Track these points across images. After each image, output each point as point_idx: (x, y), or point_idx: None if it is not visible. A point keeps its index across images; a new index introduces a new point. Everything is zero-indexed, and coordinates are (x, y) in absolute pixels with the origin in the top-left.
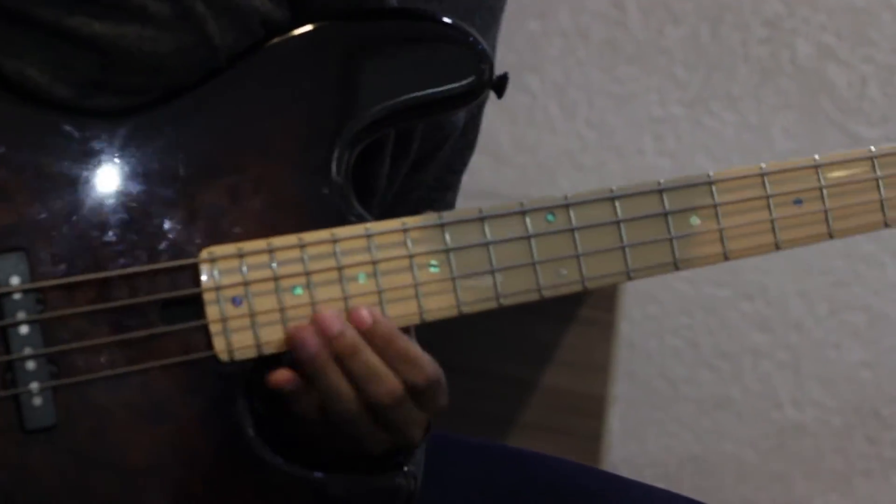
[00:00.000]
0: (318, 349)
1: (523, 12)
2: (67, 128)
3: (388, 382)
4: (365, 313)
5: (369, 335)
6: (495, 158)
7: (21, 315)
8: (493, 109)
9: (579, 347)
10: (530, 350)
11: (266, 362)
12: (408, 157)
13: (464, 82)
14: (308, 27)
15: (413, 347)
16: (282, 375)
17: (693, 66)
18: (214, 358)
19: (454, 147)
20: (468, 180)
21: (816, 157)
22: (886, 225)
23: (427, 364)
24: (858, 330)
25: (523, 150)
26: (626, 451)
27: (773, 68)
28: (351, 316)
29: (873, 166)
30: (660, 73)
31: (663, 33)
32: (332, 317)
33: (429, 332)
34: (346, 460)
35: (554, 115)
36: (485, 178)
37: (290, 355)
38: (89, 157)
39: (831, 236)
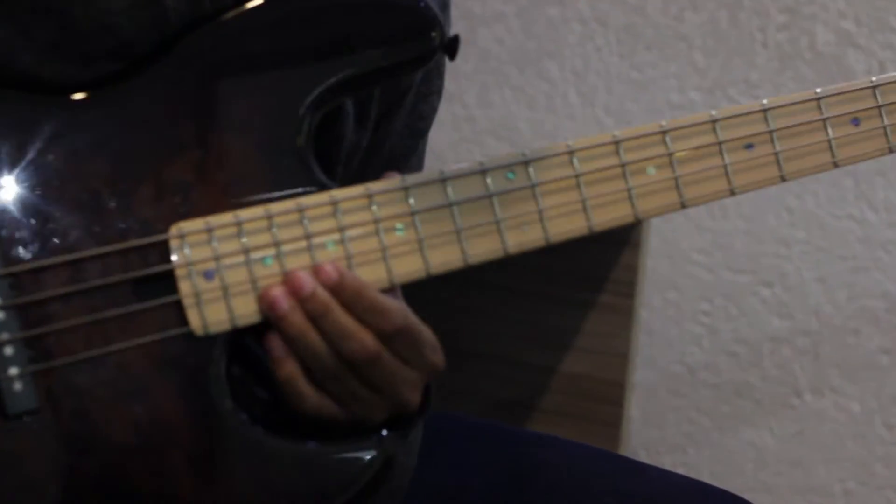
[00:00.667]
0: (292, 310)
1: None
2: (28, 107)
3: (361, 338)
4: (330, 268)
5: (338, 290)
6: (514, 145)
7: None
8: (511, 96)
9: (599, 334)
10: (549, 337)
11: (244, 339)
12: (369, 118)
13: (415, 47)
14: (255, 4)
15: (382, 299)
16: (274, 342)
17: (712, 52)
18: (190, 333)
19: (418, 93)
20: None
21: (764, 101)
22: (836, 165)
23: (396, 311)
24: (878, 316)
25: (542, 137)
26: (645, 438)
27: (792, 54)
28: (318, 273)
29: (820, 108)
30: (678, 59)
31: (682, 19)
32: (304, 276)
33: (450, 319)
34: (352, 432)
35: (573, 101)
36: None
37: (265, 325)
38: (53, 137)
39: (783, 179)
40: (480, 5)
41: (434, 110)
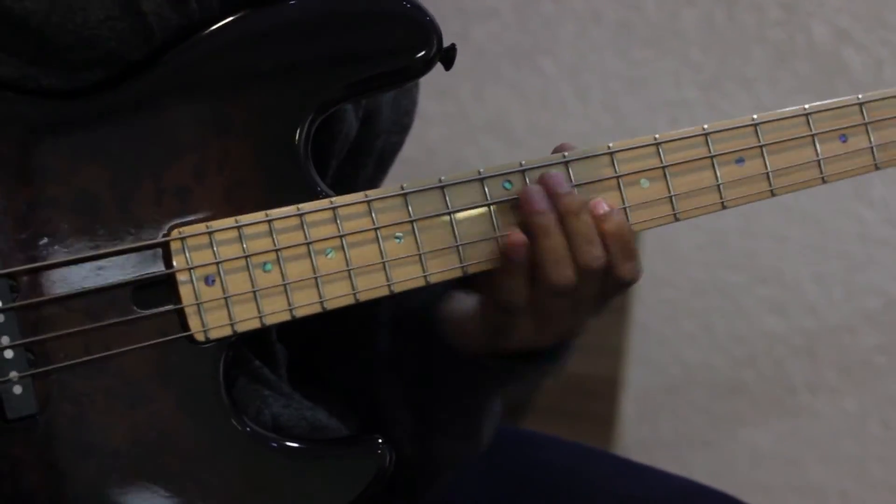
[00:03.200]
0: (547, 206)
1: None
2: (27, 112)
3: (598, 245)
4: (604, 204)
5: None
6: (508, 142)
7: None
8: (506, 93)
9: (593, 331)
10: None
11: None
12: (360, 108)
13: (415, 56)
14: (253, 11)
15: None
16: (518, 237)
17: (708, 48)
18: (189, 338)
19: (402, 87)
20: (481, 164)
21: (755, 116)
22: (824, 181)
23: (640, 260)
24: (873, 314)
25: (536, 134)
26: (639, 436)
27: (788, 51)
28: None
29: (809, 123)
30: (674, 55)
31: (678, 15)
32: (559, 175)
33: None
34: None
35: (567, 98)
36: (498, 161)
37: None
38: (52, 141)
39: (773, 193)
40: (475, 1)
41: (415, 102)
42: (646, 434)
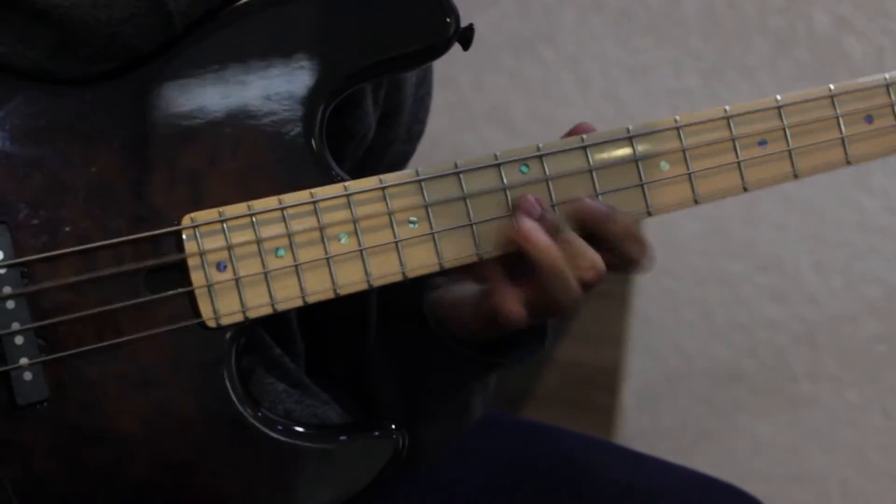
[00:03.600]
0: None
1: None
2: (40, 98)
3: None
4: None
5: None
6: (509, 131)
7: (6, 290)
8: (506, 81)
9: (593, 320)
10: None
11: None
12: (379, 100)
13: (432, 36)
14: None
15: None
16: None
17: (708, 36)
18: (201, 324)
19: (416, 95)
20: (482, 152)
21: (778, 97)
22: (849, 162)
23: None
24: (874, 303)
25: (537, 123)
26: (640, 425)
27: (789, 39)
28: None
29: (833, 104)
30: (675, 44)
31: (679, 4)
32: (528, 199)
33: None
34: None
35: (568, 86)
36: (498, 150)
37: (294, 320)
38: (65, 127)
39: (796, 176)
40: None
41: (428, 110)
42: (646, 423)
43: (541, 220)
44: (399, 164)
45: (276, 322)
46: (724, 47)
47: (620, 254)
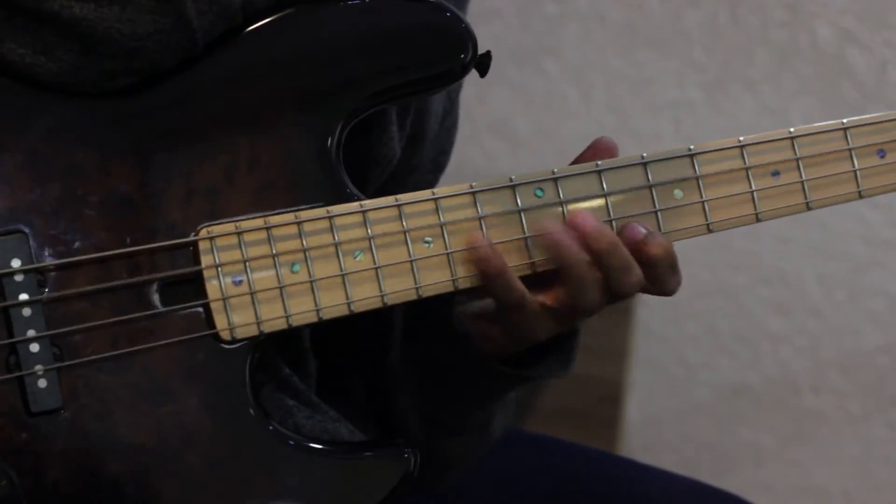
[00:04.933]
0: (577, 249)
1: None
2: (60, 109)
3: (638, 273)
4: (640, 228)
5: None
6: (512, 143)
7: (23, 297)
8: (510, 94)
9: (597, 333)
10: None
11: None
12: (406, 127)
13: (449, 61)
14: (292, 9)
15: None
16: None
17: (711, 49)
18: (216, 336)
19: (442, 126)
20: (485, 165)
21: (791, 129)
22: (861, 195)
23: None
24: (878, 315)
25: (540, 135)
26: (643, 437)
27: (792, 52)
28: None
29: (846, 137)
30: (678, 56)
31: (682, 16)
32: (586, 216)
33: None
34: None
35: (571, 99)
36: (502, 163)
37: (306, 339)
38: (84, 139)
39: (809, 207)
40: (478, 2)
41: (453, 143)
42: (650, 436)
43: (595, 238)
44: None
45: (289, 341)
46: (726, 60)
47: (653, 277)
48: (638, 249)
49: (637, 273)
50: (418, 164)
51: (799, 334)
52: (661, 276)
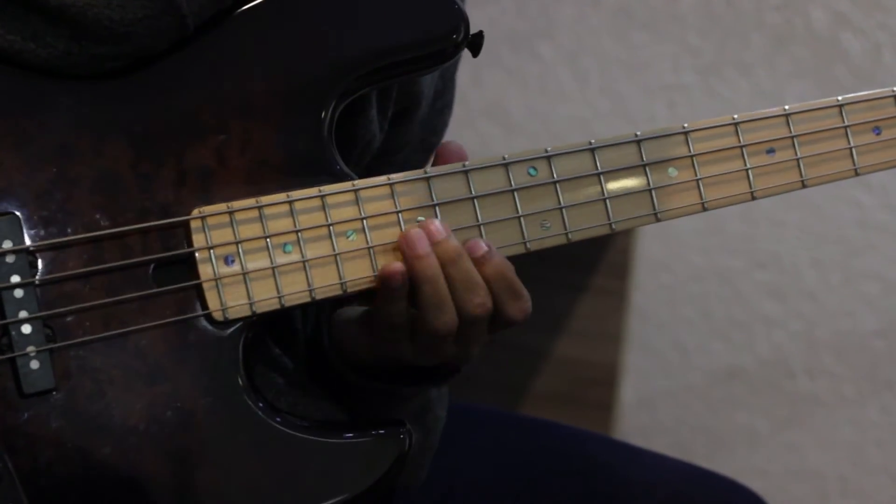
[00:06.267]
0: (428, 251)
1: None
2: (51, 91)
3: (484, 292)
4: (482, 244)
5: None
6: (506, 127)
7: (15, 279)
8: (504, 77)
9: (592, 317)
10: (543, 319)
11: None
12: (386, 119)
13: (441, 40)
14: None
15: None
16: (395, 266)
17: (706, 32)
18: (208, 317)
19: (433, 108)
20: (480, 149)
21: (786, 106)
22: (857, 173)
23: (527, 297)
24: (872, 299)
25: (535, 119)
26: (638, 421)
27: (786, 35)
28: (467, 245)
29: (841, 114)
30: (673, 40)
31: (676, 0)
32: (435, 224)
33: None
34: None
35: (566, 82)
36: (496, 147)
37: (288, 314)
38: (75, 121)
39: (804, 185)
40: None
41: (446, 125)
42: (645, 419)
43: (440, 243)
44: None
45: (279, 321)
46: (721, 43)
47: (493, 298)
48: (477, 266)
49: (482, 294)
50: (405, 144)
51: (793, 318)
52: (498, 298)
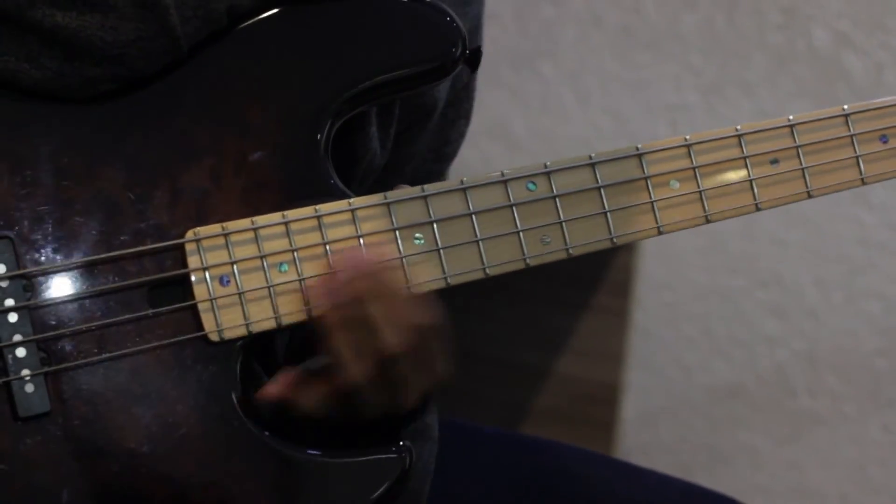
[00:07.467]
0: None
1: None
2: (45, 114)
3: (401, 329)
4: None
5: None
6: (509, 146)
7: (9, 302)
8: (506, 97)
9: (593, 335)
10: (544, 338)
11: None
12: (388, 137)
13: (437, 58)
14: (277, 9)
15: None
16: (271, 389)
17: (708, 52)
18: (204, 338)
19: (445, 117)
20: (482, 168)
21: (791, 116)
22: (864, 181)
23: (434, 309)
24: (874, 318)
25: (537, 138)
26: (639, 440)
27: (788, 55)
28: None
29: (847, 123)
30: (675, 59)
31: (678, 20)
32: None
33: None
34: (343, 433)
35: (568, 102)
36: (498, 165)
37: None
38: (69, 144)
39: (810, 195)
40: None
41: (462, 135)
42: (646, 438)
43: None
44: (421, 182)
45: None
46: (723, 63)
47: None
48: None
49: (401, 332)
50: (414, 155)
51: (795, 336)
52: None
